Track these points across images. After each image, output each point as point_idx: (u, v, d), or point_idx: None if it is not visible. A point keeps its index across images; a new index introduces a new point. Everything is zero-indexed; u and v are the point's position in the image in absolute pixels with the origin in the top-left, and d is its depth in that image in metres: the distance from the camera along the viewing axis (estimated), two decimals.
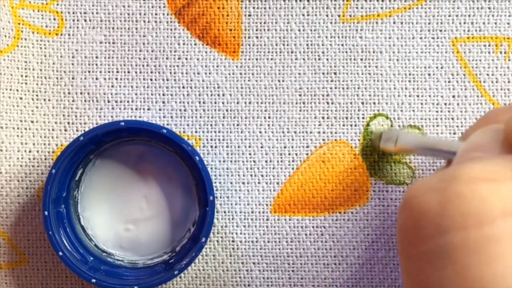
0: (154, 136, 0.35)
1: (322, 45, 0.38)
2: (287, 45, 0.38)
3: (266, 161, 0.38)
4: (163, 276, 0.35)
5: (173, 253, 0.37)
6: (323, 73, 0.38)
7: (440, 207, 0.20)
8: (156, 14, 0.38)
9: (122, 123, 0.34)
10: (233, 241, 0.38)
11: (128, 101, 0.38)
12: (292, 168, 0.38)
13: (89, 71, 0.38)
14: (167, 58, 0.38)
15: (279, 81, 0.38)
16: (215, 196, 0.37)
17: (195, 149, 0.37)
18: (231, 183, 0.38)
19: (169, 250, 0.37)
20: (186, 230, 0.37)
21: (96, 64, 0.38)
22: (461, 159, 0.23)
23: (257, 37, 0.38)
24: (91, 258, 0.36)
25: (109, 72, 0.38)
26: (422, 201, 0.21)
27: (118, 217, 0.37)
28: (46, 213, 0.35)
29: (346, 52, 0.38)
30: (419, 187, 0.21)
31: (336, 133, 0.38)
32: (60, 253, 0.35)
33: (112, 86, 0.38)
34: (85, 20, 0.38)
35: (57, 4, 0.38)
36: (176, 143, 0.35)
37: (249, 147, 0.38)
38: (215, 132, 0.38)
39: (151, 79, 0.38)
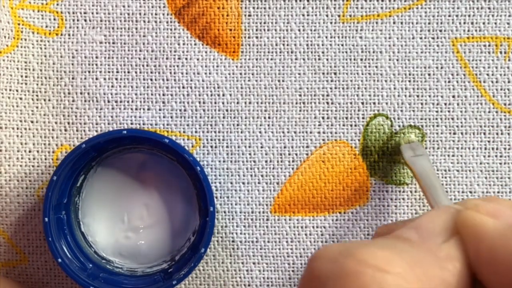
0: (156, 144, 0.35)
1: (322, 45, 0.38)
2: (287, 45, 0.38)
3: (266, 161, 0.38)
4: (161, 285, 0.35)
5: (172, 262, 0.37)
6: (323, 73, 0.38)
7: (327, 278, 0.21)
8: (156, 14, 0.38)
9: (125, 132, 0.34)
10: (233, 241, 0.38)
11: (128, 101, 0.38)
12: (292, 168, 0.38)
13: (89, 71, 0.38)
14: (167, 58, 0.38)
15: (279, 81, 0.38)
16: (215, 206, 0.37)
17: (196, 159, 0.36)
18: (231, 183, 0.38)
19: (168, 259, 0.37)
20: (186, 239, 0.37)
21: (96, 64, 0.38)
22: (396, 231, 0.24)
23: (257, 37, 0.38)
24: (90, 265, 0.36)
25: (109, 72, 0.38)
26: (318, 266, 0.22)
27: (119, 225, 0.37)
28: (46, 219, 0.34)
29: (346, 52, 0.38)
30: (324, 251, 0.22)
31: (336, 133, 0.38)
32: (59, 260, 0.34)
33: (112, 86, 0.38)
34: (85, 20, 0.38)
35: (57, 4, 0.38)
36: (178, 153, 0.35)
37: (249, 147, 0.38)
38: (215, 132, 0.38)
39: (151, 79, 0.38)
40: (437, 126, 0.38)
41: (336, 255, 0.22)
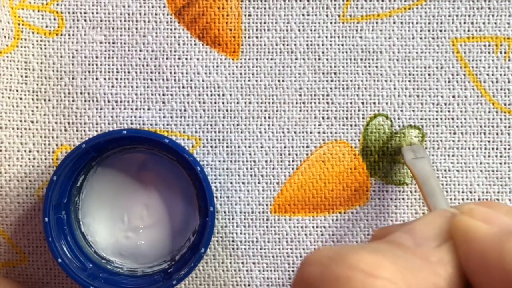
0: (156, 144, 0.35)
1: (322, 45, 0.38)
2: (287, 45, 0.38)
3: (266, 161, 0.38)
4: (161, 285, 0.35)
5: (172, 262, 0.37)
6: (323, 73, 0.38)
7: (317, 282, 0.21)
8: (156, 14, 0.38)
9: (125, 132, 0.34)
10: (233, 241, 0.38)
11: (128, 101, 0.38)
12: (292, 168, 0.38)
13: (89, 71, 0.38)
14: (167, 58, 0.38)
15: (279, 81, 0.38)
16: (215, 206, 0.37)
17: (196, 159, 0.36)
18: (231, 183, 0.38)
19: (168, 259, 0.37)
20: (186, 239, 0.37)
21: (96, 64, 0.38)
22: (390, 235, 0.24)
23: (257, 37, 0.38)
24: (90, 265, 0.36)
25: (109, 72, 0.38)
26: (309, 270, 0.22)
27: (119, 225, 0.37)
28: (46, 219, 0.34)
29: (346, 52, 0.38)
30: (316, 255, 0.23)
31: (336, 133, 0.38)
32: (59, 260, 0.34)
33: (112, 86, 0.38)
34: (85, 20, 0.38)
35: (57, 4, 0.38)
36: (178, 153, 0.35)
37: (249, 147, 0.38)
38: (215, 132, 0.38)
39: (151, 79, 0.38)
40: (437, 126, 0.38)
41: (326, 259, 0.22)
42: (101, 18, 0.38)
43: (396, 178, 0.38)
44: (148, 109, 0.38)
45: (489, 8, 0.38)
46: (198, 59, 0.38)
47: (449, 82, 0.38)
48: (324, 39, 0.38)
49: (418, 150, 0.36)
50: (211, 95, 0.38)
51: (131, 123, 0.38)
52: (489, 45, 0.38)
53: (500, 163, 0.38)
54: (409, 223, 0.25)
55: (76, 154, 0.34)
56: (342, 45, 0.38)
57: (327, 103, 0.38)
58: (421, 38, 0.38)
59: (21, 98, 0.38)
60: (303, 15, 0.38)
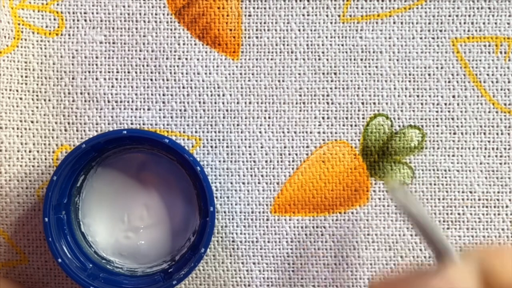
0: (156, 144, 0.35)
1: (322, 45, 0.38)
2: (287, 45, 0.38)
3: (266, 161, 0.38)
4: (161, 285, 0.35)
5: (172, 262, 0.37)
6: (323, 73, 0.38)
7: None
8: (156, 14, 0.38)
9: (125, 132, 0.34)
10: (233, 241, 0.38)
11: (128, 101, 0.38)
12: (292, 168, 0.38)
13: (89, 71, 0.38)
14: (167, 58, 0.38)
15: (279, 81, 0.38)
16: (215, 206, 0.37)
17: (196, 159, 0.36)
18: (231, 183, 0.38)
19: (168, 259, 0.37)
20: (186, 239, 0.37)
21: (96, 64, 0.38)
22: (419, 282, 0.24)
23: (257, 37, 0.38)
24: (90, 265, 0.36)
25: (109, 72, 0.38)
26: None
27: (119, 225, 0.37)
28: (46, 219, 0.34)
29: (346, 52, 0.38)
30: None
31: (336, 133, 0.38)
32: (59, 260, 0.34)
33: (112, 86, 0.38)
34: (85, 20, 0.38)
35: (57, 4, 0.38)
36: (178, 153, 0.35)
37: (249, 147, 0.38)
38: (215, 132, 0.38)
39: (151, 79, 0.38)
40: (437, 126, 0.38)
41: None
42: (101, 18, 0.38)
43: (396, 178, 0.38)
44: (148, 109, 0.38)
45: (489, 8, 0.38)
46: (198, 59, 0.38)
47: (449, 82, 0.38)
48: (324, 39, 0.38)
49: (402, 195, 0.34)
50: (211, 95, 0.38)
51: (131, 123, 0.38)
52: (489, 45, 0.38)
53: (500, 163, 0.38)
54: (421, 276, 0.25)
55: (76, 154, 0.34)
56: (342, 45, 0.38)
57: (327, 103, 0.38)
58: (421, 38, 0.38)
59: (21, 98, 0.38)
60: (303, 15, 0.38)
